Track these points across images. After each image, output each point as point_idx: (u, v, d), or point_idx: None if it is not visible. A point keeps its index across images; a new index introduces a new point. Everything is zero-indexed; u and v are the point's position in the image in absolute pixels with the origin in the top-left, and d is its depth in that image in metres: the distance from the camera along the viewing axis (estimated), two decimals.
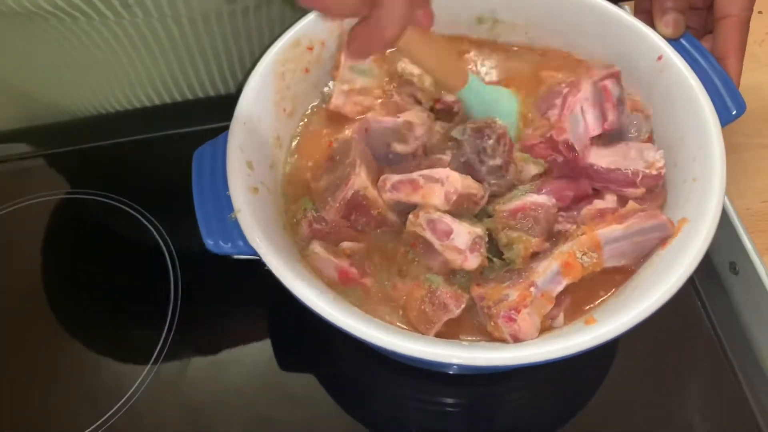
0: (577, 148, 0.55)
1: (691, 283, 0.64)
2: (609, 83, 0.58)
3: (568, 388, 0.63)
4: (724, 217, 0.56)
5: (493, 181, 0.55)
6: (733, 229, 0.65)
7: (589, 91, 0.58)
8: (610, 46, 0.62)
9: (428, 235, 0.51)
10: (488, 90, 0.60)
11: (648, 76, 0.60)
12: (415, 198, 0.53)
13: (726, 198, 0.51)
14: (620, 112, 0.58)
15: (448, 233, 0.50)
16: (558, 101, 0.59)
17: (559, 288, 0.50)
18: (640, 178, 0.55)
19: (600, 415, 0.60)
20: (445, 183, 0.52)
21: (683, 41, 0.61)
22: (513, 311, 0.48)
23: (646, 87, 0.60)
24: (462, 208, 0.54)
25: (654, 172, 0.55)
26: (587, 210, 0.55)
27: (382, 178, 0.55)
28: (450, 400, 0.63)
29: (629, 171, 0.55)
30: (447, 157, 0.56)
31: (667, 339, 0.64)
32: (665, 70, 0.59)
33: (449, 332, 0.52)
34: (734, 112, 0.58)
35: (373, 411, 0.62)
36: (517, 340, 0.48)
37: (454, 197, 0.52)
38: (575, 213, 0.55)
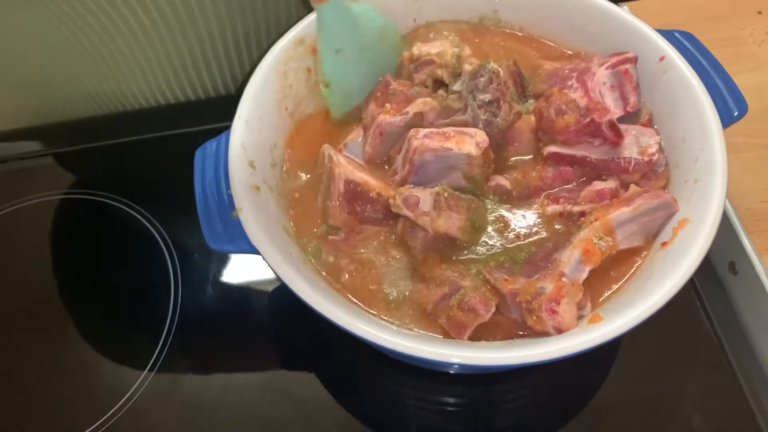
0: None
1: (690, 283, 0.64)
2: (629, 67, 0.59)
3: (568, 388, 0.63)
4: (724, 217, 0.56)
5: (483, 117, 0.56)
6: (733, 229, 0.66)
7: (605, 75, 0.59)
8: (612, 46, 0.62)
9: (406, 212, 0.53)
10: (357, 13, 0.61)
11: (650, 76, 0.60)
12: (449, 144, 0.54)
13: (726, 198, 0.51)
14: (639, 94, 0.60)
15: (417, 202, 0.53)
16: (572, 83, 0.59)
17: (584, 275, 0.50)
18: (632, 165, 0.55)
19: (599, 415, 0.60)
20: (474, 136, 0.55)
21: (685, 42, 0.61)
22: (554, 303, 0.48)
23: (648, 87, 0.60)
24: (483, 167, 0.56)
25: (645, 159, 0.55)
26: (587, 191, 0.55)
27: (412, 131, 0.55)
28: (451, 400, 0.63)
29: (621, 159, 0.56)
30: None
31: (666, 339, 0.64)
32: (667, 71, 0.59)
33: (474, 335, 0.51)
34: (736, 114, 0.58)
35: (374, 410, 0.62)
36: (560, 331, 0.49)
37: (484, 146, 0.54)
38: (577, 194, 0.56)
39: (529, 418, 0.62)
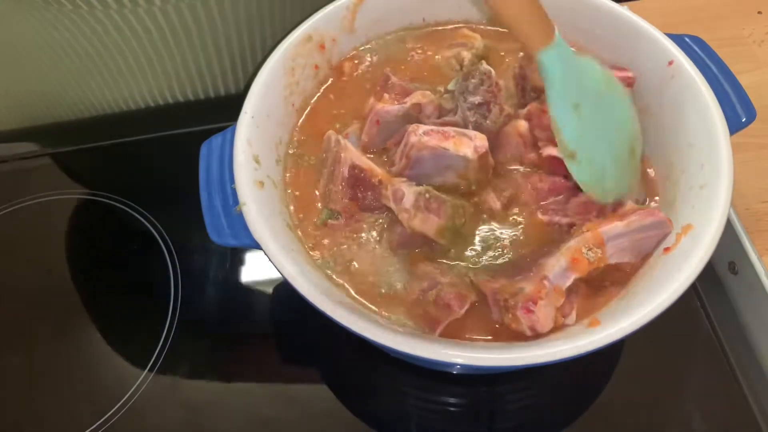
0: None
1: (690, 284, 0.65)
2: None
3: (569, 389, 0.63)
4: None
5: (472, 119, 0.57)
6: (733, 229, 0.66)
7: None
8: (620, 50, 0.62)
9: (392, 204, 0.53)
10: (581, 60, 0.51)
11: (658, 81, 0.60)
12: (447, 144, 0.54)
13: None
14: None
15: (402, 197, 0.53)
16: None
17: (568, 282, 0.50)
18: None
19: (599, 415, 0.61)
20: (473, 139, 0.54)
21: (695, 47, 0.61)
22: (530, 302, 0.49)
23: (656, 92, 0.60)
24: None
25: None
26: (573, 202, 0.56)
27: (412, 126, 0.55)
28: (452, 400, 0.63)
29: None
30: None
31: (666, 339, 0.64)
32: (676, 76, 0.58)
33: (454, 331, 0.52)
34: (744, 120, 0.57)
35: (375, 409, 0.62)
36: (534, 331, 0.49)
37: (482, 151, 0.54)
38: (565, 204, 0.56)
39: (532, 419, 0.62)
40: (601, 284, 0.54)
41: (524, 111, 0.59)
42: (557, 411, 0.62)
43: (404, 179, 0.54)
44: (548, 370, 0.62)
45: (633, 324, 0.46)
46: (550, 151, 0.57)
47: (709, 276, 0.67)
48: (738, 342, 0.64)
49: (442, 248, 0.55)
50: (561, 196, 0.57)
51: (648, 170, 0.60)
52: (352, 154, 0.56)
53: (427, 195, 0.53)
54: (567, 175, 0.56)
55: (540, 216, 0.56)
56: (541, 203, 0.57)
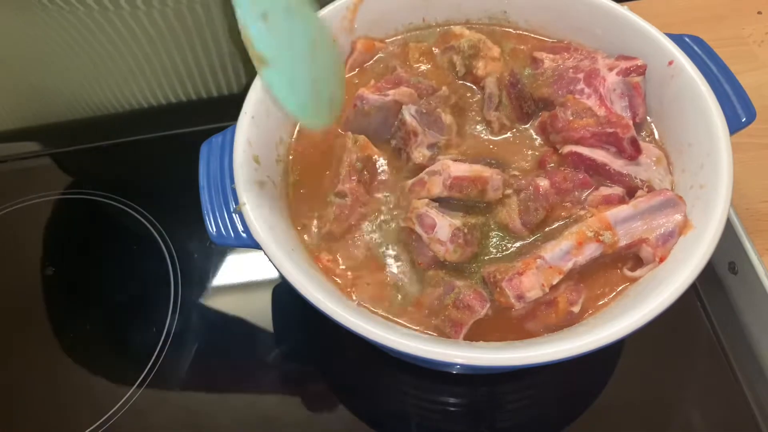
0: None
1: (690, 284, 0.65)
2: (640, 80, 0.60)
3: (572, 389, 0.63)
4: None
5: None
6: (733, 229, 0.66)
7: (615, 82, 0.59)
8: (621, 49, 0.62)
9: (418, 228, 0.53)
10: None
11: (658, 80, 0.60)
12: (424, 193, 0.55)
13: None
14: (645, 106, 0.60)
15: (433, 226, 0.53)
16: (582, 88, 0.60)
17: (568, 265, 0.51)
18: (644, 189, 0.56)
19: (599, 416, 0.61)
20: (442, 173, 0.55)
21: (695, 47, 0.61)
22: (516, 275, 0.50)
23: (656, 91, 0.60)
24: (469, 194, 0.55)
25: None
26: (593, 196, 0.56)
27: (400, 185, 0.58)
28: (452, 400, 0.63)
29: (639, 179, 0.56)
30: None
31: (667, 339, 0.64)
32: (676, 76, 0.58)
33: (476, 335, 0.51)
34: (744, 120, 0.57)
35: (376, 409, 0.62)
36: (521, 297, 0.49)
37: (449, 182, 0.55)
38: (582, 198, 0.56)
39: (532, 419, 0.62)
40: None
41: (537, 122, 0.60)
42: (557, 411, 0.62)
43: (426, 201, 0.54)
44: (548, 370, 0.62)
45: (633, 324, 0.46)
46: (571, 148, 0.57)
47: (709, 276, 0.68)
48: (738, 342, 0.64)
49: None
50: (581, 191, 0.57)
51: None
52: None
53: (465, 230, 0.53)
54: (588, 172, 0.57)
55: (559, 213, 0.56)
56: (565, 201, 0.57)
